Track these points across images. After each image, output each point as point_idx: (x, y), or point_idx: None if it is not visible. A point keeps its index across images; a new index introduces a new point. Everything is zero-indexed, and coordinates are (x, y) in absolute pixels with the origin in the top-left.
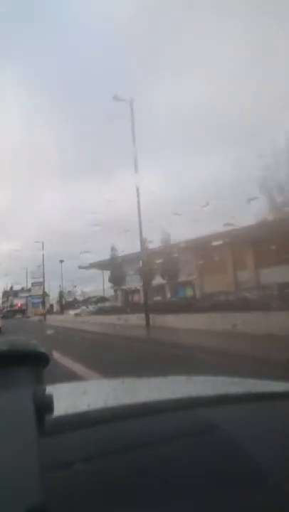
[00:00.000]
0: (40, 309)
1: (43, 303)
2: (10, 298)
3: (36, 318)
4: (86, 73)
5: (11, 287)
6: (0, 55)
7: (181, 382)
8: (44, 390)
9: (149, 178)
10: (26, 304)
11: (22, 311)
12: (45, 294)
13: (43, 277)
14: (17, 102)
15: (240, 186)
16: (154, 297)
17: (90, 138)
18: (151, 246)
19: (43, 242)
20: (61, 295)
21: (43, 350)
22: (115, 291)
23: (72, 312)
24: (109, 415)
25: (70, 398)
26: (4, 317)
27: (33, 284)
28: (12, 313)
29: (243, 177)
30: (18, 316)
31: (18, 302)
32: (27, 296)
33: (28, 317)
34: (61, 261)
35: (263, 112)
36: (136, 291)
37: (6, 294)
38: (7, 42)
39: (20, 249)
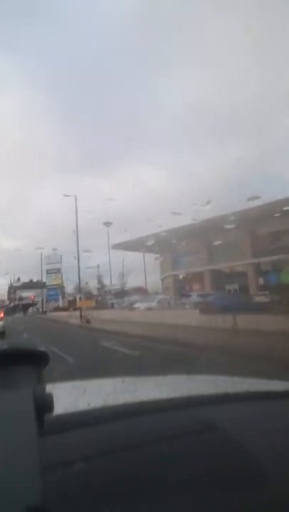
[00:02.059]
0: (89, 300)
1: (67, 294)
2: (17, 291)
3: (57, 314)
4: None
5: (18, 278)
6: (0, 48)
7: (181, 381)
8: (44, 389)
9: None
10: (42, 297)
11: (32, 305)
12: (61, 285)
13: (77, 246)
14: (17, 98)
15: None
16: (225, 285)
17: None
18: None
19: (75, 196)
20: (101, 282)
21: (42, 349)
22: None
23: (141, 306)
24: (110, 414)
25: (70, 397)
26: (6, 314)
27: (48, 271)
28: (19, 308)
29: None
30: (31, 312)
31: (31, 294)
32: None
33: (45, 312)
34: (107, 223)
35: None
36: (195, 276)
37: (12, 287)
38: (9, 33)
39: (20, 247)
